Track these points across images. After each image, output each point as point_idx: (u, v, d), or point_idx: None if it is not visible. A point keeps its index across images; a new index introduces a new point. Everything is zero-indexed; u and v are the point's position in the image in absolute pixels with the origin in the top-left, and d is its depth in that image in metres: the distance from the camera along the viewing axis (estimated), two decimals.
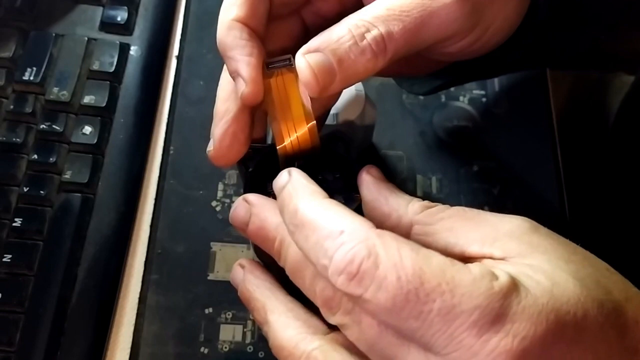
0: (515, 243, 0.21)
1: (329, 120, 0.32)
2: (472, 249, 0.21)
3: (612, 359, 0.19)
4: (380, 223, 0.23)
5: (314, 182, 0.22)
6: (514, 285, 0.19)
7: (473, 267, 0.19)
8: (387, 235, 0.19)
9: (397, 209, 0.23)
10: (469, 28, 0.25)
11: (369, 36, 0.23)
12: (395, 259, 0.18)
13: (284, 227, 0.22)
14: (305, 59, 0.23)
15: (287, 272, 0.23)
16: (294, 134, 0.24)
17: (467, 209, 0.23)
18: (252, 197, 0.25)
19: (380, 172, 0.25)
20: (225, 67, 0.26)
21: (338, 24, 0.24)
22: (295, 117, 0.24)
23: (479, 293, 0.18)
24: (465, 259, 0.21)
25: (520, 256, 0.20)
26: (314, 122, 0.24)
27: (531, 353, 0.18)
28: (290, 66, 0.24)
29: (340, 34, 0.23)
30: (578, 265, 0.20)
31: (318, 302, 0.21)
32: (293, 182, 0.22)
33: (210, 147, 0.25)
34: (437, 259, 0.19)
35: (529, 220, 0.22)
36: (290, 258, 0.23)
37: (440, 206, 0.23)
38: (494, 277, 0.19)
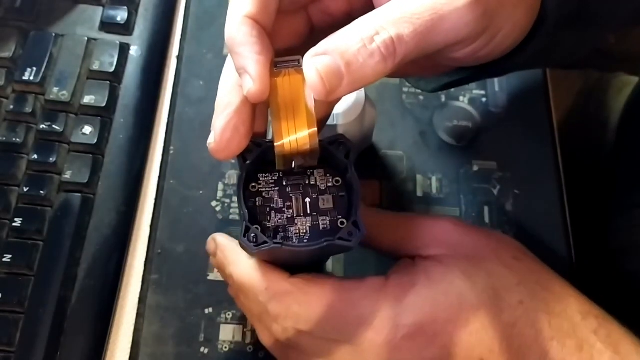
0: (438, 247, 0.28)
1: (329, 120, 0.32)
2: (410, 253, 0.29)
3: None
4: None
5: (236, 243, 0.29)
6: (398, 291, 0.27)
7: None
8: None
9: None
10: (478, 32, 0.24)
11: (378, 39, 0.22)
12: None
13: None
14: (313, 62, 0.23)
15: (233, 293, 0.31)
16: (294, 135, 0.24)
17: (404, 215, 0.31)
18: (219, 238, 0.30)
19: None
20: (228, 60, 0.26)
21: (347, 27, 0.23)
22: (298, 118, 0.24)
23: None
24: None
25: (439, 255, 0.28)
26: (315, 126, 0.24)
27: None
28: (299, 67, 0.24)
29: (349, 37, 0.23)
30: (482, 263, 0.28)
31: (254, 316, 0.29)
32: (221, 249, 0.30)
33: (211, 139, 0.25)
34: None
35: (456, 221, 0.29)
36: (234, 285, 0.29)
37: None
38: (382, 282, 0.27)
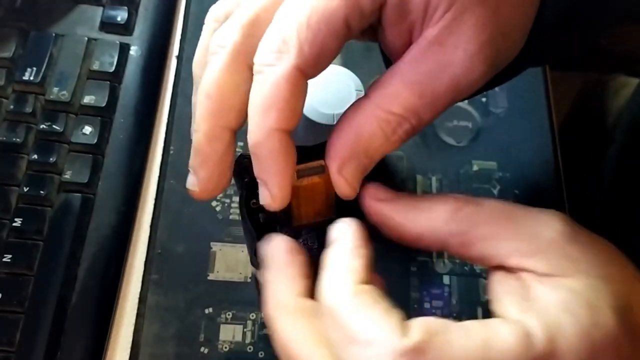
0: (557, 257, 0.21)
1: (329, 120, 0.32)
2: (511, 261, 0.22)
3: None
4: (414, 244, 0.23)
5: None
6: (550, 350, 0.19)
7: (508, 334, 0.19)
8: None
9: (428, 225, 0.23)
10: (490, 66, 0.23)
11: (400, 131, 0.22)
12: None
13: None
14: (343, 177, 0.23)
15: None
16: (313, 218, 0.25)
17: (502, 205, 0.23)
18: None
19: (387, 190, 0.24)
20: (199, 100, 0.23)
21: (364, 114, 0.23)
22: (317, 210, 0.24)
23: None
24: (506, 269, 0.22)
25: (562, 275, 0.21)
26: (334, 211, 0.25)
27: None
28: (323, 174, 0.23)
29: (370, 133, 0.22)
30: (615, 285, 0.21)
31: None
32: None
33: (194, 186, 0.24)
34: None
35: (566, 221, 0.22)
36: None
37: (472, 206, 0.22)
38: (529, 342, 0.19)
